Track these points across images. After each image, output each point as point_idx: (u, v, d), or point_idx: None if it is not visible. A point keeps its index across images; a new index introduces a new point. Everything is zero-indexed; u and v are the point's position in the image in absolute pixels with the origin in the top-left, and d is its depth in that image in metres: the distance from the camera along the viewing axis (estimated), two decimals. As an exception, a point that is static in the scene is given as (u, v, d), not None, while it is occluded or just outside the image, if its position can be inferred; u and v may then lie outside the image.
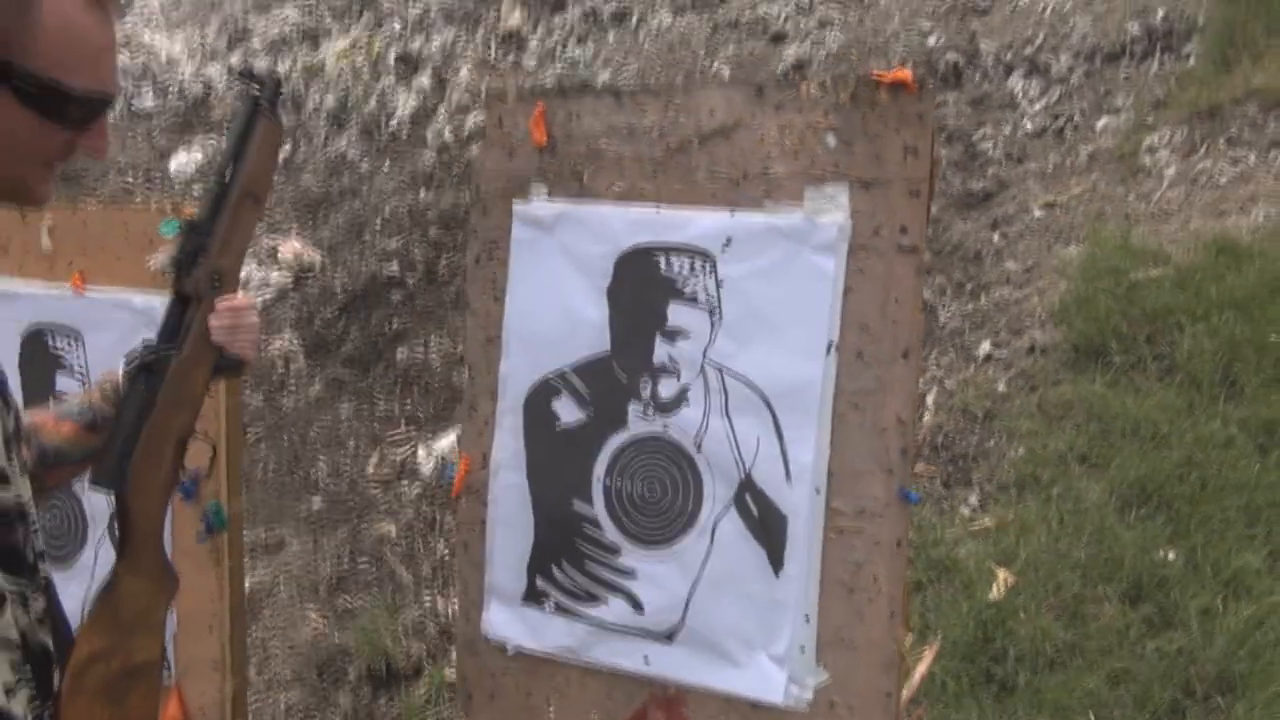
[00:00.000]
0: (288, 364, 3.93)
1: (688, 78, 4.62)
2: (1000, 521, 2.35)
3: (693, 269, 1.34)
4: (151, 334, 1.73)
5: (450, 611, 2.49)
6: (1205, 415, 2.48)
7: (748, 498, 1.32)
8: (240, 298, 1.22)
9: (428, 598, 2.60)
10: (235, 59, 6.21)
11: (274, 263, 4.42)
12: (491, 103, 1.50)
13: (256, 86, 1.22)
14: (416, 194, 4.87)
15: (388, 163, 5.21)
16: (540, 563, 1.46)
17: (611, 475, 1.41)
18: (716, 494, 1.35)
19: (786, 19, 4.69)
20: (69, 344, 1.76)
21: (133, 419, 1.15)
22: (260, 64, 5.97)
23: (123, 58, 6.35)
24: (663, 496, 1.38)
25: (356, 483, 3.20)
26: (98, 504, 1.83)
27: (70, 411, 1.22)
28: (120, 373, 1.23)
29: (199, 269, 1.18)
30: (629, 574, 1.40)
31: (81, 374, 1.76)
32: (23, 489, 1.00)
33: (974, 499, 2.40)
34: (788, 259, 1.29)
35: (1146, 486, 2.36)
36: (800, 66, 4.30)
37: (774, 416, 1.29)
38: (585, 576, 1.43)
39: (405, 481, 3.15)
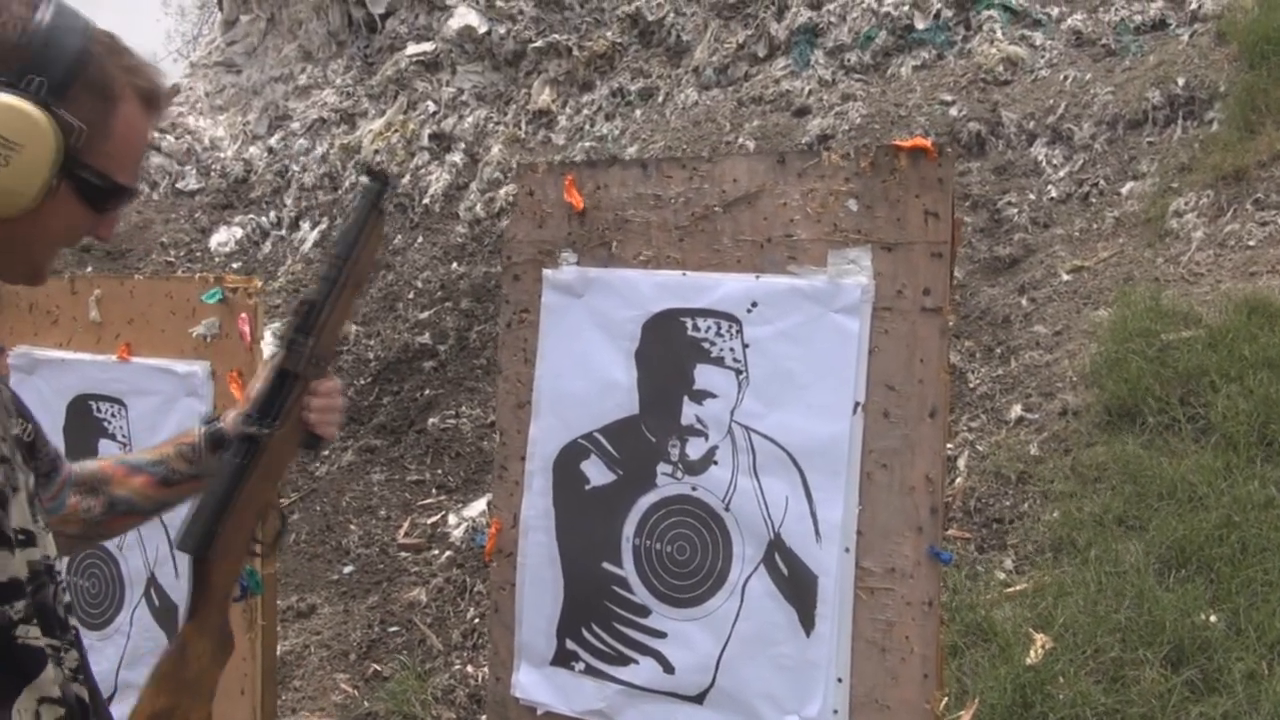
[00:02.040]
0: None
1: (713, 149, 4.72)
2: (1036, 585, 2.31)
3: (719, 331, 1.37)
4: (192, 400, 1.79)
5: (481, 677, 2.48)
6: (1243, 476, 2.44)
7: (777, 557, 1.32)
8: (333, 381, 1.26)
9: (457, 663, 2.59)
10: (274, 140, 6.43)
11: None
12: (523, 174, 1.55)
13: (376, 183, 1.27)
14: (449, 266, 4.97)
15: (421, 236, 5.34)
16: (570, 624, 1.47)
17: (641, 535, 1.42)
18: (746, 554, 1.35)
19: (810, 93, 4.79)
20: (113, 411, 1.82)
21: (226, 488, 1.18)
22: (301, 143, 6.18)
23: (168, 140, 6.61)
24: (692, 557, 1.39)
25: (387, 549, 3.21)
26: (135, 568, 1.86)
27: (142, 465, 1.26)
28: (197, 435, 1.26)
29: (305, 350, 1.22)
30: (659, 635, 1.40)
31: (124, 440, 1.81)
32: (49, 547, 1.04)
33: (1009, 562, 2.37)
34: (812, 320, 1.31)
35: (1185, 548, 2.32)
36: (824, 139, 4.38)
37: (802, 476, 1.30)
38: (615, 637, 1.43)
39: (436, 548, 3.16)
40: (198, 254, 5.80)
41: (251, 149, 6.40)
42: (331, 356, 1.28)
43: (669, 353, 1.40)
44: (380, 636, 2.81)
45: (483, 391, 4.03)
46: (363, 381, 4.23)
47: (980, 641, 2.16)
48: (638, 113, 5.35)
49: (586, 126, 5.47)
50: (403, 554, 3.17)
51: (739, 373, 1.36)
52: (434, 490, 3.47)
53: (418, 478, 3.55)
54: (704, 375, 1.38)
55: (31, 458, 1.14)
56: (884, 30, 4.99)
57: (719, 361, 1.37)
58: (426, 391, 4.06)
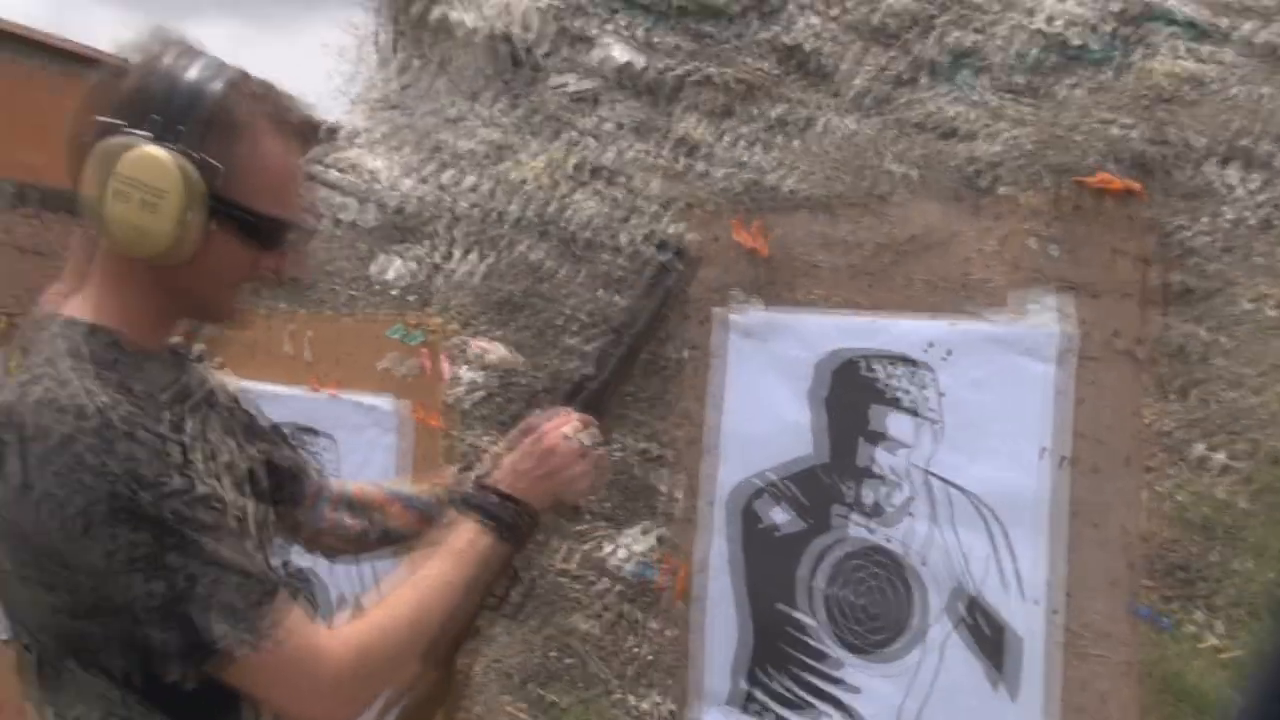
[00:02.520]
0: (474, 470, 4.12)
1: (869, 176, 4.66)
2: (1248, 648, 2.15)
3: (905, 377, 1.35)
4: (389, 435, 1.90)
5: (652, 711, 2.50)
6: None
7: (974, 614, 1.29)
8: (602, 451, 1.26)
9: (630, 697, 2.61)
10: (432, 173, 6.74)
11: (475, 364, 4.69)
12: (701, 216, 1.58)
13: (672, 257, 1.27)
14: (606, 297, 5.08)
15: (577, 268, 5.48)
16: (752, 668, 1.47)
17: (826, 582, 1.41)
18: (939, 608, 1.32)
19: (971, 118, 4.67)
20: (324, 444, 1.94)
21: None
22: (461, 177, 6.45)
23: (331, 174, 7.02)
24: (881, 607, 1.37)
25: (548, 575, 3.27)
26: (337, 594, 1.97)
27: (412, 499, 1.35)
28: (467, 481, 1.30)
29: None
30: (845, 685, 1.39)
31: (334, 472, 1.93)
32: (281, 555, 1.12)
33: (1220, 625, 2.21)
34: (1005, 367, 1.28)
35: None
36: (991, 166, 4.26)
37: (1001, 530, 1.27)
38: (798, 685, 1.42)
39: (600, 577, 3.20)
40: (360, 284, 6.12)
41: (413, 183, 6.73)
42: (608, 433, 1.28)
43: (852, 397, 1.40)
44: (545, 663, 2.86)
45: (635, 420, 4.07)
46: (524, 411, 4.35)
47: (1184, 705, 2.02)
48: (793, 142, 5.34)
49: (739, 157, 5.50)
50: (566, 581, 3.22)
51: (925, 418, 1.34)
52: (596, 519, 3.52)
53: (583, 507, 3.60)
54: (888, 420, 1.37)
55: (293, 481, 1.24)
56: (1048, 50, 4.82)
57: (905, 407, 1.36)
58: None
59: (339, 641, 0.99)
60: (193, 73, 0.98)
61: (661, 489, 3.51)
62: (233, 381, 1.26)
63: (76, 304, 1.02)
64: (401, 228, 6.73)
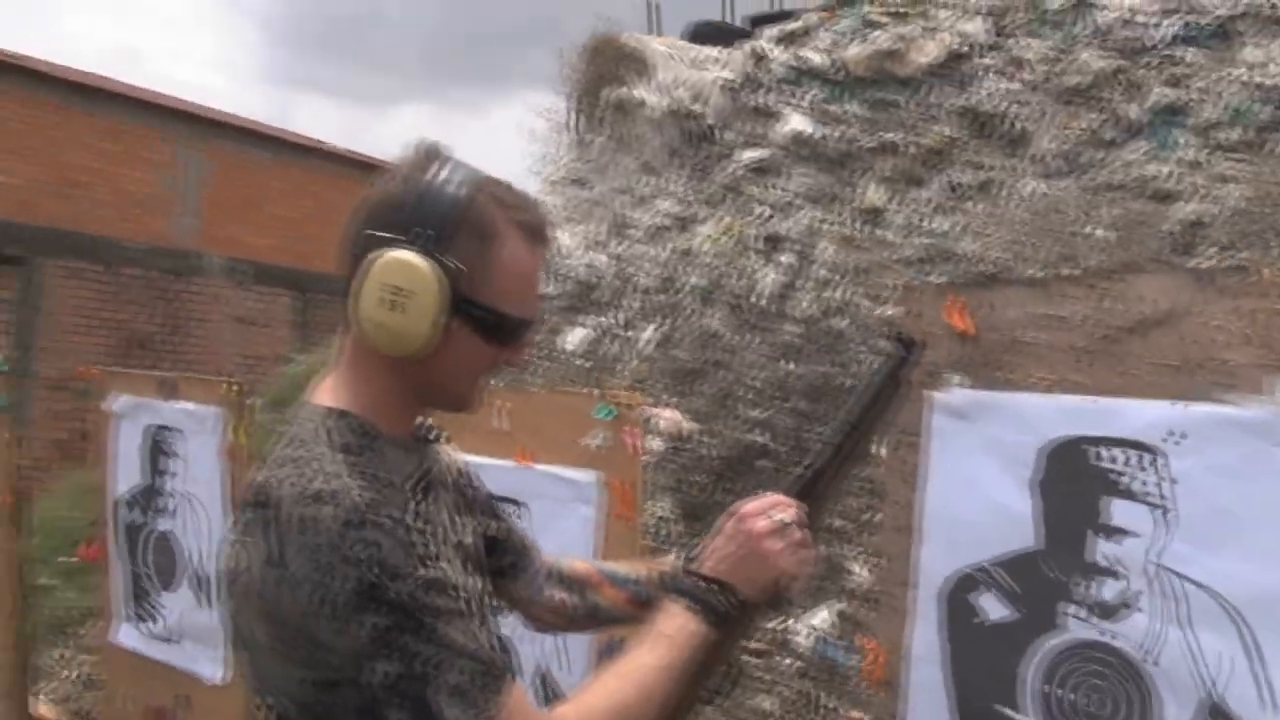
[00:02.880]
0: (665, 529, 4.14)
1: (1063, 240, 4.46)
2: None
3: (1135, 464, 1.27)
4: (584, 506, 1.94)
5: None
6: None
7: (1214, 721, 1.18)
8: (814, 551, 1.27)
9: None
10: (617, 247, 6.94)
11: (654, 432, 4.74)
12: (906, 295, 1.56)
13: (901, 349, 1.26)
14: (782, 366, 5.04)
15: (754, 337, 5.48)
16: (960, 766, 1.40)
17: (1045, 681, 1.33)
18: (1175, 714, 1.22)
19: (1176, 177, 4.41)
20: (516, 513, 2.01)
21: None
22: (641, 249, 6.61)
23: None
24: (1108, 711, 1.27)
25: (742, 672, 3.23)
26: (528, 656, 2.02)
27: (623, 580, 1.39)
28: (676, 567, 1.34)
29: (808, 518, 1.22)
30: (1065, 791, 1.29)
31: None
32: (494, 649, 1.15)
33: None
34: (1253, 456, 1.19)
35: None
36: (1196, 226, 4.00)
37: (1248, 631, 1.16)
38: (1013, 787, 1.34)
39: (782, 655, 3.15)
40: (550, 354, 6.34)
41: (597, 256, 6.95)
42: (820, 523, 1.29)
43: (1075, 484, 1.32)
44: (727, 740, 2.81)
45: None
46: (703, 479, 4.36)
47: None
48: (975, 206, 5.19)
49: (920, 223, 5.40)
50: (747, 658, 3.18)
51: (1161, 510, 1.25)
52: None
53: (759, 579, 3.56)
54: (1117, 510, 1.29)
55: (504, 552, 1.30)
56: (1264, 103, 4.51)
57: (1136, 496, 1.27)
58: (764, 491, 4.10)
59: None
60: (452, 186, 1.06)
61: (852, 568, 3.43)
62: (459, 456, 1.33)
63: (330, 392, 1.12)
64: (587, 299, 6.93)
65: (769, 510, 1.21)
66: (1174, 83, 4.84)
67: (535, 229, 1.10)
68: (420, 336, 1.03)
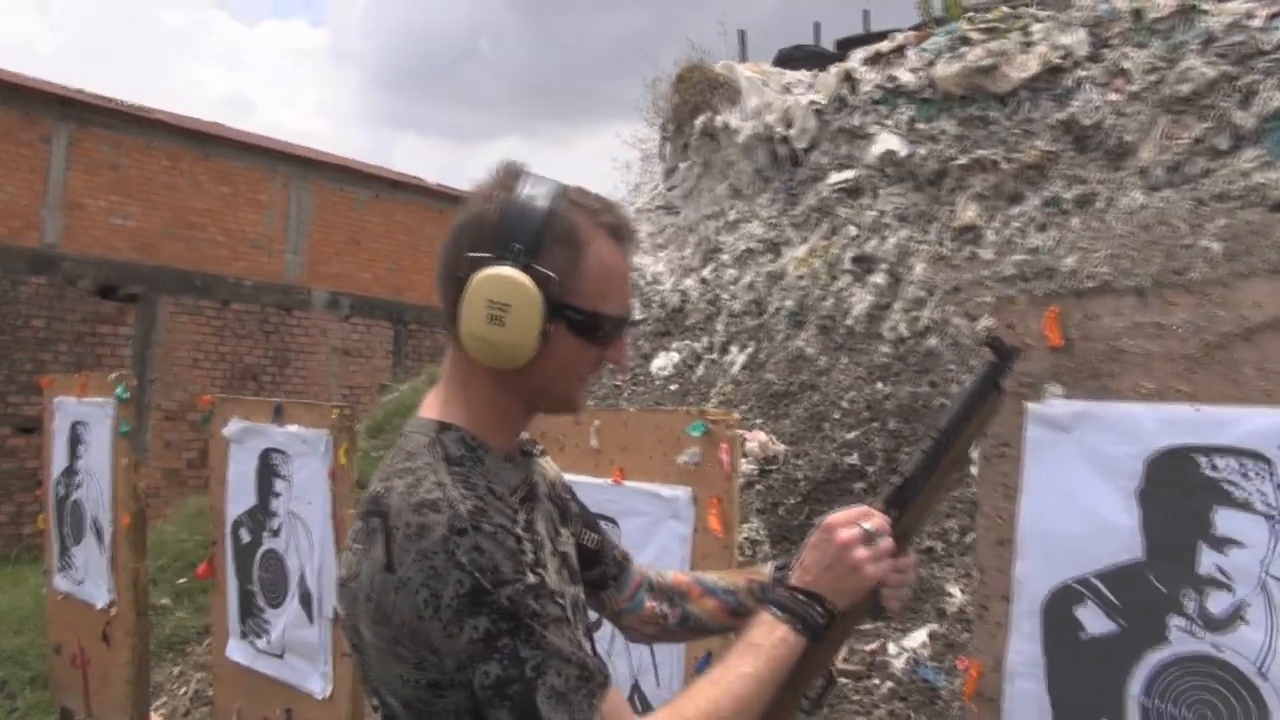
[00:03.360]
0: (755, 550, 4.12)
1: (1168, 253, 4.31)
2: None
3: (1245, 472, 1.23)
4: (675, 522, 1.96)
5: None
6: None
7: (1336, 740, 1.13)
8: (910, 558, 1.27)
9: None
10: (707, 271, 6.97)
11: (744, 454, 4.73)
12: (1001, 307, 1.54)
13: (999, 358, 1.25)
14: (873, 386, 4.98)
15: (844, 358, 5.42)
16: (1063, 784, 1.36)
17: (1150, 696, 1.29)
18: (1290, 731, 1.17)
19: (1289, 184, 4.22)
20: (608, 529, 2.04)
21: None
22: (730, 273, 6.62)
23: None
24: (1218, 727, 1.23)
25: (836, 682, 3.19)
26: (621, 674, 2.04)
27: (717, 589, 1.41)
28: (767, 574, 1.36)
29: (896, 526, 1.23)
30: (1176, 813, 1.25)
31: (620, 555, 2.01)
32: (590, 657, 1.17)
33: None
34: (1369, 462, 1.14)
35: None
36: (1313, 235, 3.82)
37: (1367, 645, 1.11)
38: (1120, 808, 1.29)
39: (876, 677, 3.09)
40: (641, 378, 6.38)
41: (687, 281, 6.99)
42: (915, 533, 1.28)
43: (1181, 494, 1.28)
44: (823, 765, 2.77)
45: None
46: (792, 501, 4.33)
47: None
48: (1074, 221, 5.05)
49: (1016, 239, 5.27)
50: (843, 680, 3.13)
51: (1273, 520, 1.20)
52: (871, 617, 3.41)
53: (853, 602, 3.51)
54: (1227, 521, 1.24)
55: (598, 563, 1.33)
56: (1385, 106, 4.29)
57: (1246, 506, 1.23)
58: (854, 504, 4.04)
59: None
60: (536, 199, 1.10)
61: (948, 589, 3.35)
62: (556, 469, 1.36)
63: (437, 407, 1.16)
64: (677, 324, 6.97)
65: (856, 520, 1.22)
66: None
67: (619, 229, 1.13)
68: (524, 347, 1.07)
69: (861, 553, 1.19)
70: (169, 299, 12.29)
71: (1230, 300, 1.28)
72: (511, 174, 1.13)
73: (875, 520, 1.22)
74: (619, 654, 2.00)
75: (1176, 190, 4.72)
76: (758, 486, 4.60)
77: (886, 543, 1.22)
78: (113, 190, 12.07)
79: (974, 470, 1.62)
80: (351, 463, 2.67)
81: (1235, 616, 1.22)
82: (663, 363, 6.40)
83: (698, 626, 1.41)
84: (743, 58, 8.25)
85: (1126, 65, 5.31)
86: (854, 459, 4.47)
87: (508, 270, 1.06)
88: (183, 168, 12.78)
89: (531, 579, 1.01)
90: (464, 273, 1.09)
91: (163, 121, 12.67)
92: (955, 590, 3.33)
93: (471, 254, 1.09)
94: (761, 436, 4.93)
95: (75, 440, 3.72)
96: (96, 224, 11.91)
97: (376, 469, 1.14)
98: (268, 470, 2.92)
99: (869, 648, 3.26)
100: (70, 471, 3.77)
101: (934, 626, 3.24)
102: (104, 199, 11.98)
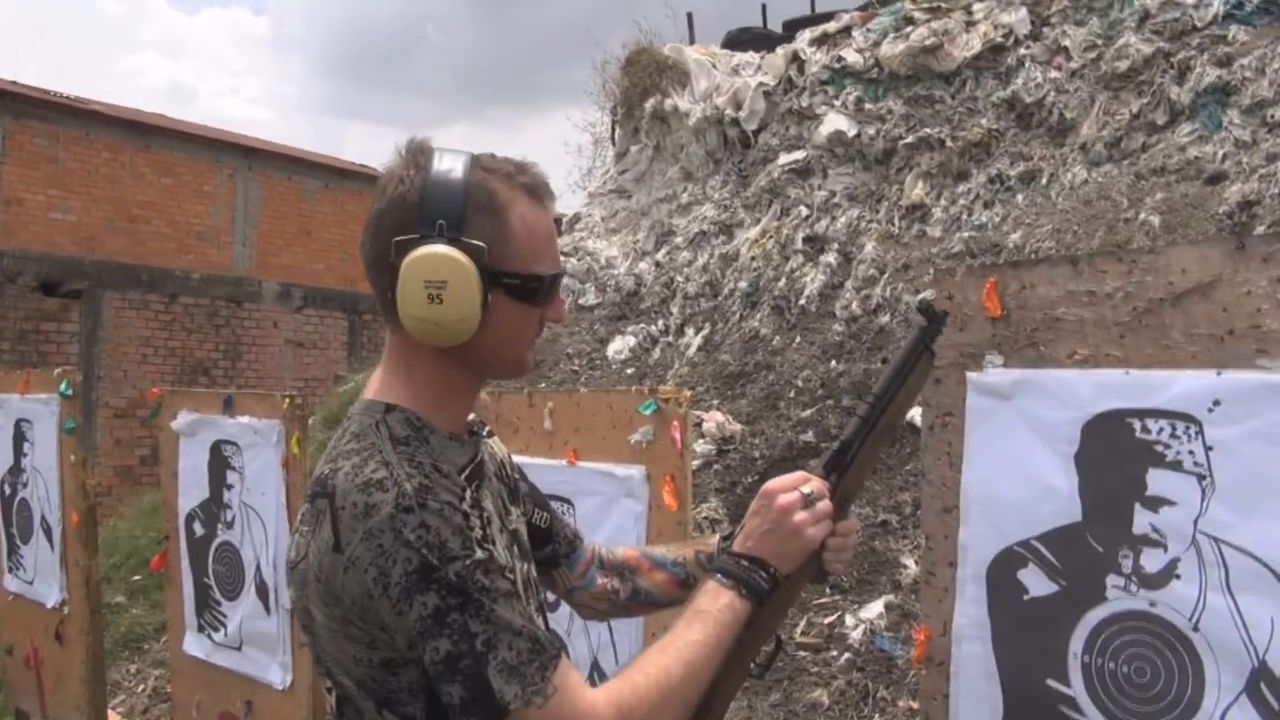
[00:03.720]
0: (715, 529, 4.16)
1: (1109, 226, 4.40)
2: None
3: (1175, 433, 1.27)
4: (629, 500, 1.97)
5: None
6: None
7: (1264, 687, 1.17)
8: (851, 521, 1.30)
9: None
10: (661, 255, 6.99)
11: (699, 435, 4.77)
12: (940, 278, 1.56)
13: (929, 321, 1.29)
14: (827, 365, 5.04)
15: (798, 337, 5.48)
16: (1009, 742, 1.40)
17: (1090, 653, 1.33)
18: (1222, 681, 1.21)
19: (1224, 157, 4.34)
20: (563, 509, 2.05)
21: None
22: (684, 255, 6.64)
23: (571, 262, 7.42)
24: (1154, 680, 1.27)
25: (785, 647, 3.24)
26: (580, 653, 2.05)
27: (665, 563, 1.42)
28: (715, 545, 1.38)
29: (835, 490, 1.26)
30: (1115, 763, 1.29)
31: (575, 535, 2.02)
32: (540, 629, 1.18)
33: None
34: (1292, 419, 1.18)
35: None
36: (1247, 206, 3.93)
37: (1292, 594, 1.15)
38: (1063, 762, 1.34)
39: (834, 648, 3.15)
40: (597, 362, 6.39)
41: (641, 264, 7.00)
42: (855, 496, 1.31)
43: (1115, 457, 1.32)
44: (781, 736, 2.82)
45: (869, 489, 3.99)
46: (750, 480, 4.37)
47: None
48: (1019, 198, 5.14)
49: (963, 216, 5.36)
50: (801, 653, 3.19)
51: (1201, 478, 1.24)
52: (828, 590, 3.47)
53: (810, 576, 3.57)
54: (1158, 480, 1.28)
55: (549, 542, 1.34)
56: (1314, 79, 4.41)
57: (1176, 466, 1.26)
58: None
59: (602, 700, 1.05)
60: (456, 173, 1.10)
61: (903, 561, 3.41)
62: (503, 449, 1.36)
63: (381, 389, 1.16)
64: (632, 308, 6.98)
65: (795, 485, 1.25)
66: (1222, 62, 4.76)
67: (536, 188, 1.13)
68: (468, 321, 1.07)
69: (801, 516, 1.22)
70: (114, 294, 12.03)
71: (1158, 267, 1.32)
72: (421, 152, 1.12)
73: (814, 484, 1.25)
74: (578, 633, 2.01)
75: (1116, 165, 4.82)
76: (716, 466, 4.64)
77: (825, 505, 1.25)
78: (51, 184, 11.77)
79: (922, 438, 1.65)
80: (304, 452, 2.65)
81: (1169, 573, 1.26)
82: (619, 346, 6.41)
83: (649, 600, 1.43)
84: (691, 40, 8.24)
85: (1066, 43, 5.41)
86: (809, 436, 4.53)
87: (438, 248, 1.06)
88: (124, 159, 12.49)
89: (479, 554, 1.01)
90: (394, 258, 1.09)
91: (101, 113, 12.37)
92: (910, 562, 3.39)
93: (398, 238, 1.09)
94: (719, 417, 4.97)
95: (20, 438, 3.65)
96: (35, 219, 11.61)
97: (323, 454, 1.14)
98: (219, 462, 2.88)
99: (826, 620, 3.31)
100: (16, 470, 3.69)
101: (890, 598, 3.31)
102: (42, 193, 11.68)
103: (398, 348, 1.17)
